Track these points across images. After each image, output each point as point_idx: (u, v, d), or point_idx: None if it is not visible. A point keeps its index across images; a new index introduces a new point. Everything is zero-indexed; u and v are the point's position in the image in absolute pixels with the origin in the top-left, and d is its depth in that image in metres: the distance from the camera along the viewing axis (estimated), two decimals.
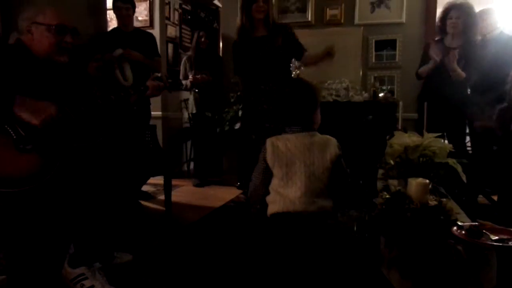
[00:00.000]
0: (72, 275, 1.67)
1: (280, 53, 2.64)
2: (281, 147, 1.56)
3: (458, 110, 2.96)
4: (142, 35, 3.31)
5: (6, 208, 1.48)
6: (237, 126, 4.00)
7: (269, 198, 1.59)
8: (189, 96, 4.25)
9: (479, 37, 3.01)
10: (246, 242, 2.20)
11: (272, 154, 1.56)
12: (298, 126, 1.60)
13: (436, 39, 3.20)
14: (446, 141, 2.83)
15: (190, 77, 3.83)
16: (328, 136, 1.61)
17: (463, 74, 2.86)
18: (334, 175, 1.55)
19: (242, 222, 2.67)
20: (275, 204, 1.55)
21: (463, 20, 2.89)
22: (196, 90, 4.02)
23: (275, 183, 1.58)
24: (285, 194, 1.53)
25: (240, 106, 3.86)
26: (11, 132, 1.51)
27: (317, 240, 1.48)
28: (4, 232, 1.57)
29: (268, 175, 1.59)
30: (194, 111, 4.14)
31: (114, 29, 3.31)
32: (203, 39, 4.01)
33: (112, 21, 4.12)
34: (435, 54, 2.95)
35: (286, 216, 1.51)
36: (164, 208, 2.81)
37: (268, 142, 1.60)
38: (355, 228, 1.61)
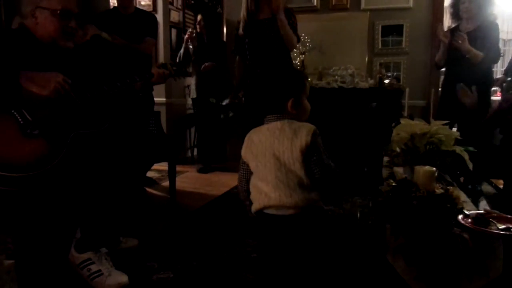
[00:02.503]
0: (79, 260, 1.69)
1: (280, 37, 2.60)
2: (255, 139, 1.48)
3: (481, 95, 2.90)
4: (142, 16, 3.08)
5: (13, 193, 1.49)
6: (230, 114, 4.02)
7: (251, 196, 1.48)
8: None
9: (494, 18, 2.96)
10: (248, 229, 2.21)
11: (245, 148, 1.51)
12: (273, 114, 1.48)
13: (453, 26, 3.12)
14: (455, 129, 2.80)
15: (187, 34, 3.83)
16: (303, 124, 1.44)
17: (481, 54, 2.79)
18: (309, 167, 1.39)
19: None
20: (255, 200, 1.45)
21: (476, 3, 2.84)
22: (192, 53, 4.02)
23: (252, 178, 1.48)
24: (260, 189, 1.42)
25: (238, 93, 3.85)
26: (18, 117, 1.51)
27: (306, 234, 1.39)
28: (12, 217, 1.58)
29: (245, 169, 1.52)
30: (195, 96, 4.13)
31: (112, 9, 3.14)
32: (202, 23, 3.99)
33: (115, 4, 4.08)
34: (444, 36, 2.90)
35: (264, 213, 1.41)
36: (168, 194, 2.82)
37: (247, 135, 1.53)
38: (358, 215, 1.61)
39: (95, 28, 2.57)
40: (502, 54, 3.32)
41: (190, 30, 3.98)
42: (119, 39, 2.79)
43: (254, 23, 2.62)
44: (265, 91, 1.51)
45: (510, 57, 3.87)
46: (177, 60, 4.07)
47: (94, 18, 2.93)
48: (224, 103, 4.08)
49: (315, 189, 1.41)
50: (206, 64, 3.92)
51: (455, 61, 2.92)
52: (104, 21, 2.87)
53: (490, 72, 3.02)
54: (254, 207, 1.44)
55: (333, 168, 1.42)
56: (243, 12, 2.68)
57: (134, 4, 3.24)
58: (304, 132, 1.39)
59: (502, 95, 3.83)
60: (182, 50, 3.97)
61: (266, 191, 1.39)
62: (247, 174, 1.51)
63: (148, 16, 3.14)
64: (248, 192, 1.50)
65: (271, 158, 1.41)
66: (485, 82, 2.94)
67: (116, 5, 3.12)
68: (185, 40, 3.93)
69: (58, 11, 1.65)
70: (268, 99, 1.49)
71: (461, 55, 2.84)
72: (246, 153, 1.50)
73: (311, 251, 1.41)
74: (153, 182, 3.52)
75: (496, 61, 3.16)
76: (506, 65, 4.45)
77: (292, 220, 1.37)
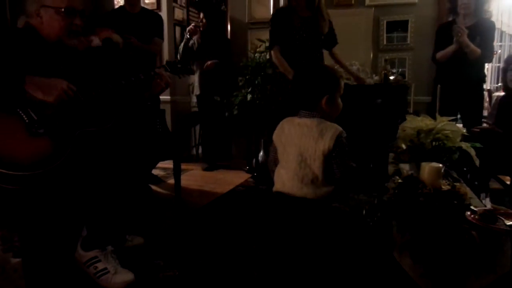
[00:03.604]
0: (85, 258, 1.69)
1: (321, 39, 2.64)
2: (286, 128, 1.60)
3: (474, 92, 2.91)
4: (148, 16, 3.14)
5: (19, 191, 1.50)
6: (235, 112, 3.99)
7: (274, 177, 1.64)
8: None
9: (489, 15, 2.96)
10: (254, 226, 2.22)
11: (276, 134, 1.63)
12: (306, 110, 1.57)
13: (449, 20, 3.12)
14: (461, 125, 2.79)
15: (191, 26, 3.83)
16: (331, 125, 1.53)
17: (478, 50, 2.79)
18: (329, 167, 1.50)
19: (251, 205, 2.69)
20: (275, 182, 1.62)
21: (475, 0, 2.85)
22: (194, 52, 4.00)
23: (279, 162, 1.63)
24: (281, 174, 1.58)
25: (249, 90, 3.84)
26: (23, 116, 1.52)
27: (313, 225, 1.48)
28: (19, 216, 1.59)
29: (274, 153, 1.66)
30: (198, 93, 4.12)
31: (119, 8, 3.17)
32: (204, 21, 3.98)
33: (120, 4, 4.08)
34: (462, 37, 2.84)
35: (281, 196, 1.55)
36: (173, 192, 2.83)
37: (281, 122, 1.64)
38: (364, 212, 1.61)
39: (110, 31, 2.60)
40: (495, 53, 3.33)
41: (194, 23, 3.96)
42: (134, 40, 2.85)
43: (295, 18, 2.60)
44: (301, 87, 1.59)
45: None
46: (177, 55, 4.07)
47: (102, 18, 2.96)
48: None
49: (328, 185, 1.51)
50: (209, 63, 3.92)
51: (453, 57, 2.91)
52: (112, 20, 2.91)
53: (483, 69, 3.04)
54: (274, 187, 1.62)
55: (354, 168, 1.51)
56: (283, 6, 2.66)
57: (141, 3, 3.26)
58: (329, 135, 1.48)
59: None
60: (182, 44, 3.95)
61: (284, 178, 1.55)
62: (276, 158, 1.65)
63: (154, 16, 3.19)
64: (273, 173, 1.66)
65: (295, 151, 1.53)
66: (479, 79, 2.98)
67: (121, 4, 3.16)
68: (187, 31, 3.91)
69: (63, 9, 1.65)
70: (303, 95, 1.58)
71: (460, 51, 2.83)
72: (276, 139, 1.63)
73: (317, 240, 1.47)
74: (158, 180, 3.53)
75: (490, 60, 3.22)
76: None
77: (302, 202, 1.50)
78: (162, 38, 3.23)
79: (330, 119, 1.58)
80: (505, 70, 2.91)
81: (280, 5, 3.88)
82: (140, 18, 3.04)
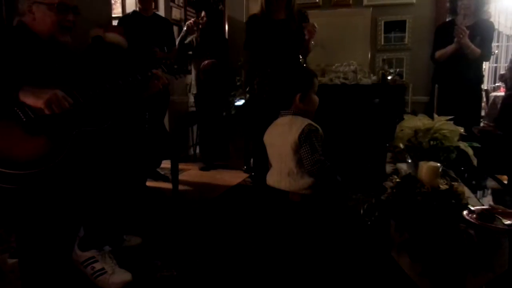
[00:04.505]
0: (82, 258, 1.69)
1: (293, 39, 2.61)
2: (269, 129, 1.76)
3: (472, 92, 2.92)
4: (160, 21, 3.33)
5: (15, 190, 1.49)
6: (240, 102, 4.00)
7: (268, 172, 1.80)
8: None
9: (489, 15, 2.98)
10: (251, 225, 2.21)
11: (265, 136, 1.78)
12: (284, 109, 1.70)
13: (447, 20, 3.13)
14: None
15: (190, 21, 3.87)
16: (300, 120, 1.63)
17: (478, 50, 2.81)
18: (300, 161, 1.61)
19: (248, 204, 2.68)
20: (267, 177, 1.78)
21: (475, 1, 2.85)
22: (190, 53, 4.04)
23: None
24: (270, 170, 1.76)
25: (247, 89, 3.83)
26: (21, 115, 1.51)
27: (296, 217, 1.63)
28: (16, 216, 1.58)
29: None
30: (195, 92, 4.11)
31: (133, 12, 3.28)
32: (205, 19, 3.97)
33: (116, 3, 4.08)
34: (463, 38, 2.83)
35: (270, 189, 1.72)
36: (171, 192, 2.82)
37: (272, 124, 1.78)
38: (362, 212, 1.61)
39: (119, 31, 2.75)
40: (493, 54, 3.34)
41: (193, 20, 3.94)
42: (159, 52, 3.08)
43: (268, 22, 2.61)
44: (276, 87, 1.79)
45: None
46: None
47: (120, 22, 3.16)
48: (236, 102, 4.03)
49: (306, 178, 1.62)
50: (205, 62, 3.90)
51: (451, 57, 2.92)
52: (127, 24, 3.07)
53: (481, 69, 3.07)
54: (267, 181, 1.77)
55: (323, 162, 1.59)
56: (258, 10, 2.67)
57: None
58: (294, 129, 1.61)
59: (506, 91, 3.82)
60: (178, 39, 3.93)
61: (270, 173, 1.74)
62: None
63: (166, 22, 3.44)
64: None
65: (275, 150, 1.69)
66: (477, 78, 3.00)
67: (119, 9, 3.28)
68: (185, 26, 3.90)
69: (55, 5, 1.64)
70: (278, 95, 1.72)
71: (459, 51, 2.84)
72: (265, 141, 1.78)
73: (307, 236, 1.58)
74: (166, 179, 3.48)
75: (488, 59, 3.24)
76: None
77: (283, 194, 1.65)
78: (175, 44, 3.50)
79: (308, 116, 1.67)
80: (511, 69, 2.92)
81: None
82: (153, 21, 3.23)
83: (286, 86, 1.67)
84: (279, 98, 1.71)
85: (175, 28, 4.49)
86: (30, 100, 1.49)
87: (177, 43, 3.99)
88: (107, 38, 2.61)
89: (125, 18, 3.25)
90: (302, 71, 1.74)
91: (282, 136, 1.65)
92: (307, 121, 1.62)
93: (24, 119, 1.51)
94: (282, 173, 1.65)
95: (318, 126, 1.64)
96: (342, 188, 1.68)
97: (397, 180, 1.37)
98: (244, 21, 4.48)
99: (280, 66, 2.55)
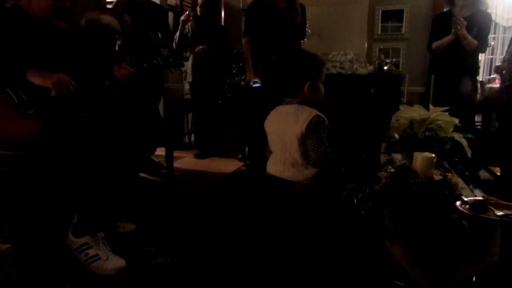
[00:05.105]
0: (76, 244, 1.68)
1: (296, 31, 2.67)
2: (272, 117, 1.69)
3: (468, 83, 2.92)
4: (154, 7, 3.32)
5: (7, 173, 1.49)
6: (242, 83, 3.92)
7: (268, 161, 1.74)
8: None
9: (486, 7, 2.96)
10: (246, 213, 2.22)
11: (266, 123, 1.71)
12: (289, 97, 1.63)
13: (445, 10, 3.12)
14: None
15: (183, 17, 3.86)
16: (307, 110, 1.56)
17: (475, 42, 2.81)
18: (306, 152, 1.56)
19: (243, 192, 2.69)
20: (267, 165, 1.72)
21: None
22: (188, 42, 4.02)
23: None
24: (271, 159, 1.69)
25: (243, 77, 3.80)
26: (13, 96, 1.51)
27: (296, 206, 1.58)
28: (9, 201, 1.58)
29: (267, 139, 1.74)
30: (191, 80, 4.07)
31: None
32: (203, 6, 3.92)
33: None
34: (461, 29, 2.82)
35: (271, 178, 1.66)
36: (165, 179, 2.82)
37: (272, 111, 1.71)
38: (356, 201, 1.62)
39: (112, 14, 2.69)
40: (489, 45, 3.34)
41: (187, 12, 3.92)
42: (154, 37, 3.12)
43: (270, 9, 2.62)
44: (283, 74, 1.65)
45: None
46: (173, 45, 4.01)
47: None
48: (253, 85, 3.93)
49: (310, 169, 1.57)
50: (200, 47, 3.85)
51: (448, 47, 2.91)
52: (124, 9, 3.01)
53: (477, 60, 3.06)
54: (267, 170, 1.72)
55: (329, 154, 1.54)
56: None
57: None
58: (302, 120, 1.53)
59: (501, 83, 3.83)
60: (178, 33, 3.91)
61: (272, 162, 1.67)
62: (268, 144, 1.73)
63: (160, 8, 3.46)
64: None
65: (278, 138, 1.62)
66: (473, 69, 3.01)
67: None
68: (181, 22, 3.87)
69: None
70: (286, 82, 1.63)
71: (455, 42, 2.83)
72: (266, 127, 1.71)
73: (304, 225, 1.55)
74: (160, 166, 3.47)
75: (484, 51, 3.25)
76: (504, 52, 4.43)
77: (286, 184, 1.60)
78: (169, 30, 3.51)
79: (313, 105, 1.62)
80: (510, 61, 2.92)
81: None
82: (147, 7, 3.22)
83: (295, 74, 1.59)
84: (285, 86, 1.63)
85: (170, 14, 4.44)
86: (38, 80, 1.51)
87: (177, 36, 3.94)
88: (102, 21, 2.57)
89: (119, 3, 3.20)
90: (311, 59, 1.62)
91: (287, 125, 1.58)
92: (314, 112, 1.56)
93: (16, 101, 1.51)
94: (286, 163, 1.59)
95: (324, 117, 1.58)
96: (344, 179, 1.67)
97: (392, 170, 1.37)
98: (241, 7, 4.44)
99: (286, 53, 2.55)
